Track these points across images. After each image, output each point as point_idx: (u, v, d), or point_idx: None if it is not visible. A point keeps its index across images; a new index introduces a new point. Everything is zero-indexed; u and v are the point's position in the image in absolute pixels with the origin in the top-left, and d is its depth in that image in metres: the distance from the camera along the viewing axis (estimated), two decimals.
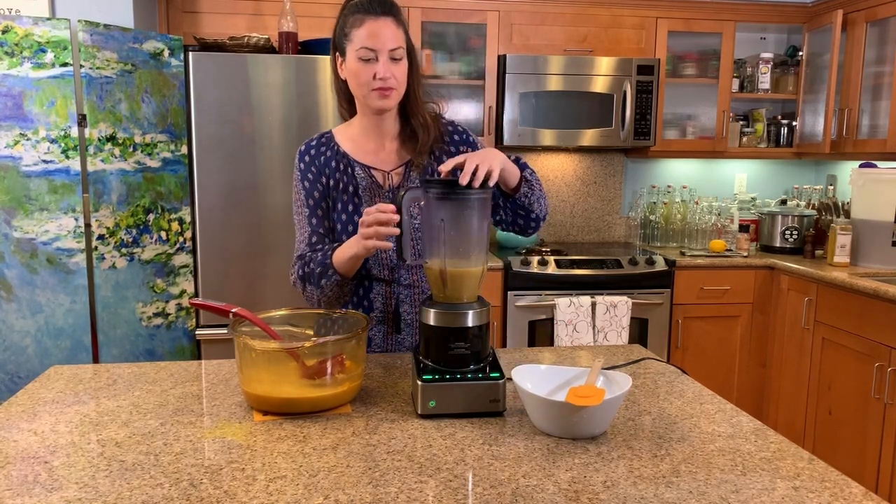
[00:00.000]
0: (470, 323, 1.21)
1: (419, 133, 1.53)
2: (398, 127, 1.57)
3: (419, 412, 1.19)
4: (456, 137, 1.60)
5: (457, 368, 1.20)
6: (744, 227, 3.49)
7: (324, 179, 1.54)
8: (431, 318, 1.22)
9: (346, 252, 1.41)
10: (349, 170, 1.55)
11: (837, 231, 3.05)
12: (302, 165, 1.56)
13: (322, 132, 1.60)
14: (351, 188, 1.54)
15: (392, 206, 1.29)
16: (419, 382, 1.18)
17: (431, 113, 1.57)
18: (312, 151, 1.56)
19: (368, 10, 1.43)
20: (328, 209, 1.55)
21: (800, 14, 3.56)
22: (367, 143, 1.57)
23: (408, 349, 1.61)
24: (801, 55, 3.59)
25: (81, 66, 2.54)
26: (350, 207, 1.54)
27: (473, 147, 1.60)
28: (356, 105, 1.56)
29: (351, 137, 1.58)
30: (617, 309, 3.08)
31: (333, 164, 1.55)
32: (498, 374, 1.21)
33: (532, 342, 3.14)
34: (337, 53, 1.51)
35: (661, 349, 3.25)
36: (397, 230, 1.28)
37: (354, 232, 1.48)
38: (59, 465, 1.01)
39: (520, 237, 3.37)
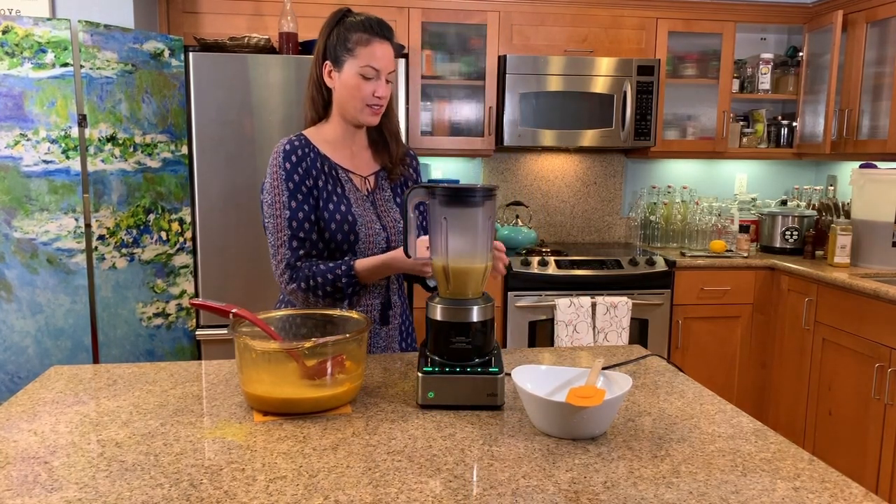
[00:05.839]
0: (471, 318, 1.24)
1: (391, 145, 1.67)
2: (366, 138, 1.69)
3: (419, 402, 1.23)
4: (411, 156, 1.78)
5: (458, 362, 1.24)
6: (744, 228, 3.49)
7: (309, 181, 1.57)
8: (436, 312, 1.25)
9: (383, 264, 1.52)
10: (334, 172, 1.61)
11: (838, 231, 3.05)
12: (288, 165, 1.56)
13: (296, 134, 1.62)
14: (339, 189, 1.60)
15: None
16: (420, 374, 1.23)
17: (398, 130, 1.72)
18: (299, 152, 1.58)
19: (375, 32, 1.55)
20: (310, 210, 1.57)
21: (800, 14, 3.56)
22: (343, 148, 1.65)
23: (382, 340, 1.69)
24: (802, 55, 3.59)
25: (82, 66, 2.54)
26: (343, 207, 1.59)
27: (417, 171, 1.77)
28: (332, 112, 1.63)
29: (327, 141, 1.64)
30: (617, 309, 3.08)
31: (319, 164, 1.60)
32: (496, 369, 1.23)
33: (532, 343, 3.14)
34: (328, 62, 1.58)
35: (662, 350, 3.25)
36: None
37: (350, 230, 1.57)
38: (59, 465, 1.01)
39: (520, 238, 3.39)
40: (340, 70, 1.56)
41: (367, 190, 1.65)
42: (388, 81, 1.58)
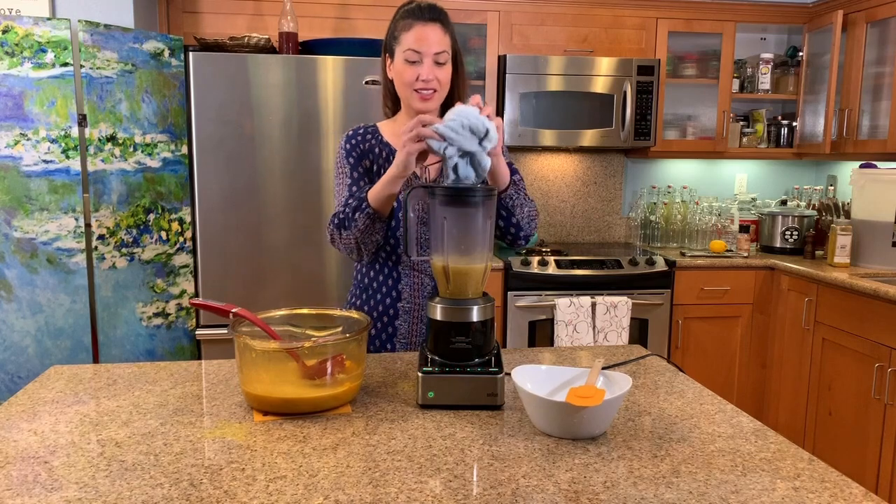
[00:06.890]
0: (471, 318, 1.24)
1: None
2: None
3: (419, 402, 1.24)
4: None
5: (458, 362, 1.24)
6: (744, 228, 3.49)
7: (366, 163, 1.65)
8: (435, 312, 1.26)
9: (384, 180, 1.48)
10: (392, 158, 1.63)
11: (838, 231, 3.05)
12: (348, 146, 1.66)
13: (367, 123, 1.71)
14: None
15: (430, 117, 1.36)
16: (420, 374, 1.23)
17: None
18: (359, 137, 1.67)
19: (418, 16, 1.55)
20: (366, 187, 1.61)
21: (800, 14, 3.56)
22: None
23: None
24: (802, 55, 3.59)
25: (82, 66, 2.54)
26: None
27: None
28: (401, 104, 1.67)
29: (394, 132, 1.67)
30: (617, 309, 3.07)
31: (377, 150, 1.65)
32: (496, 369, 1.23)
33: (532, 342, 3.14)
34: (387, 55, 1.63)
35: (662, 350, 3.25)
36: (434, 134, 1.31)
37: (391, 217, 1.59)
38: (59, 465, 1.01)
39: None
40: (393, 59, 1.59)
41: (426, 179, 1.64)
42: (439, 64, 1.54)
